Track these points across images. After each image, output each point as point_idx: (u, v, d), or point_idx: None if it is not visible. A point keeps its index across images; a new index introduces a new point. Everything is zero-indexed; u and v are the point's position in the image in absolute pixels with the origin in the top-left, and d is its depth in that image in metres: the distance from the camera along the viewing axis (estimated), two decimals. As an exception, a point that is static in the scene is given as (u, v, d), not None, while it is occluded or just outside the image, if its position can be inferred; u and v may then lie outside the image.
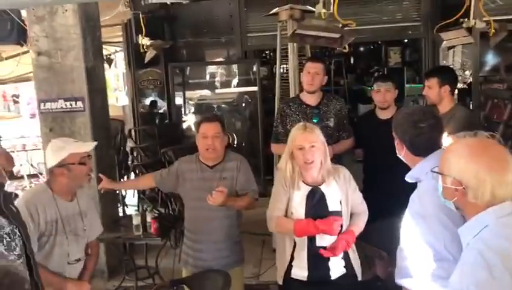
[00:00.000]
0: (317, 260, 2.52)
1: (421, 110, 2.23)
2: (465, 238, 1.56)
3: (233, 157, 3.01)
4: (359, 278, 2.64)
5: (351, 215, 2.65)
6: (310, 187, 2.55)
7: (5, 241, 1.77)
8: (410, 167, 2.11)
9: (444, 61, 9.13)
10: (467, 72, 7.74)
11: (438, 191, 1.67)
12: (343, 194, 2.59)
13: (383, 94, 3.63)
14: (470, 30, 4.03)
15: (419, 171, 2.02)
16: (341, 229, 2.54)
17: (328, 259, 2.54)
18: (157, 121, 7.35)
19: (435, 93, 3.40)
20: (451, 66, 8.87)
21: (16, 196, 2.06)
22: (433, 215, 1.83)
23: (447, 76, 3.52)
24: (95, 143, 2.70)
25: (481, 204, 1.52)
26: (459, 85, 7.70)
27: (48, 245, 2.39)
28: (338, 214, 2.54)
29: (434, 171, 1.68)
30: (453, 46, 6.50)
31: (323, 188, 2.56)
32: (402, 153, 2.14)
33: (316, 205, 2.54)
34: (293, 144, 2.52)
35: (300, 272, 2.57)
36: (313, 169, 2.53)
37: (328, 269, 2.56)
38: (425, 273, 1.95)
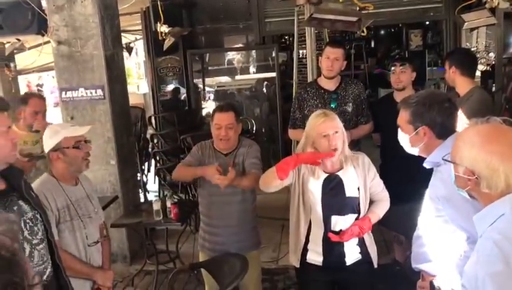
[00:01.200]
0: (332, 245, 2.52)
1: (437, 92, 2.21)
2: (481, 228, 1.51)
3: (245, 143, 3.04)
4: (375, 265, 2.63)
5: (371, 202, 2.63)
6: (327, 174, 2.55)
7: (28, 226, 1.83)
8: (424, 156, 2.08)
9: (468, 44, 8.93)
10: (491, 54, 7.55)
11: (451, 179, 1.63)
12: (361, 180, 2.57)
13: (397, 74, 3.61)
14: (493, 11, 3.94)
15: (439, 155, 1.95)
16: (358, 215, 2.55)
17: (343, 245, 2.53)
18: (177, 107, 7.41)
19: (447, 75, 3.42)
20: (473, 48, 8.70)
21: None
22: (459, 197, 1.75)
23: (454, 57, 3.47)
24: (89, 127, 2.64)
25: (495, 194, 1.46)
26: (482, 67, 7.54)
27: (67, 231, 2.42)
28: (355, 200, 2.54)
29: (446, 160, 1.63)
30: (476, 28, 6.36)
31: (341, 174, 2.55)
32: (421, 143, 2.07)
33: (333, 190, 2.53)
34: (315, 132, 2.47)
35: (316, 257, 2.58)
36: (336, 157, 2.51)
37: (343, 255, 2.56)
38: (455, 257, 1.93)
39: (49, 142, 2.41)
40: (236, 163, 2.96)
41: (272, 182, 2.49)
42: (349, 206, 2.54)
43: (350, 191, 2.55)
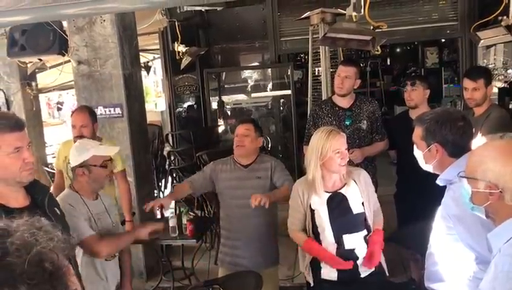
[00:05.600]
0: (345, 260, 2.52)
1: (452, 110, 2.22)
2: (496, 244, 1.51)
3: (267, 159, 3.12)
4: (387, 274, 2.65)
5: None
6: (329, 193, 2.58)
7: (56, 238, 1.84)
8: (437, 173, 2.07)
9: (485, 60, 8.88)
10: (509, 71, 7.49)
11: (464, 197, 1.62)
12: (365, 195, 2.61)
13: (409, 92, 3.63)
14: (509, 28, 3.93)
15: (453, 173, 1.96)
16: (367, 230, 2.59)
17: (357, 258, 2.56)
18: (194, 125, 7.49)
19: (482, 94, 3.28)
20: (491, 65, 8.63)
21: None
22: (471, 216, 1.76)
23: (490, 75, 3.45)
24: (118, 148, 2.77)
25: None
26: (500, 84, 7.48)
27: None
28: (361, 215, 2.58)
29: (464, 177, 1.62)
30: (491, 45, 6.33)
31: (344, 191, 2.59)
32: (434, 161, 2.07)
33: (339, 209, 2.56)
34: (328, 149, 2.49)
35: (330, 272, 2.59)
36: (342, 172, 2.57)
37: (357, 268, 2.57)
38: (464, 277, 1.91)
39: (77, 157, 2.48)
40: (259, 177, 3.03)
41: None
42: (358, 222, 2.58)
43: (356, 207, 2.58)
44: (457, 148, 2.01)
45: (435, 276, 2.05)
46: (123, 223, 3.64)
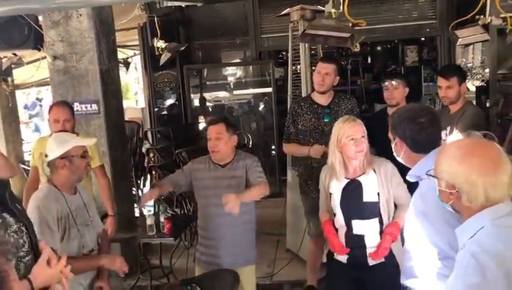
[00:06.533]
0: (355, 246, 2.68)
1: (418, 106, 2.24)
2: (461, 240, 1.52)
3: (244, 157, 3.06)
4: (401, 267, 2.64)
5: (396, 206, 2.73)
6: (348, 179, 2.71)
7: (12, 239, 1.81)
8: (410, 167, 2.09)
9: (464, 59, 8.99)
10: (487, 70, 7.60)
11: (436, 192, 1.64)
12: (381, 186, 2.67)
13: (390, 91, 3.63)
14: (486, 27, 3.97)
15: (421, 169, 1.98)
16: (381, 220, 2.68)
17: (365, 248, 2.67)
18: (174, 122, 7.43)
19: (456, 92, 3.31)
20: (469, 64, 8.73)
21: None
22: (436, 213, 1.80)
23: (463, 74, 3.49)
24: (95, 139, 2.88)
25: (475, 207, 1.48)
26: (478, 83, 7.59)
27: (64, 240, 2.44)
28: (373, 205, 2.67)
29: (429, 175, 1.65)
30: (469, 44, 6.41)
31: (361, 179, 2.69)
32: (401, 154, 2.11)
33: (351, 194, 2.69)
34: (343, 135, 2.65)
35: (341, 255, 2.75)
36: (361, 159, 2.67)
37: (366, 257, 2.69)
38: (431, 273, 1.93)
39: (57, 149, 2.46)
40: (235, 176, 2.99)
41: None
42: (369, 210, 2.67)
43: (368, 196, 2.67)
44: (416, 144, 2.03)
45: (410, 272, 2.05)
46: (104, 217, 3.58)
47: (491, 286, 1.35)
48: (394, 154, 2.18)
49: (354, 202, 2.68)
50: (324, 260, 2.93)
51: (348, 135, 2.64)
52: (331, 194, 2.77)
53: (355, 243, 2.68)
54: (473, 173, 1.46)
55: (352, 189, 2.69)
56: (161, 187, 3.13)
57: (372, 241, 2.68)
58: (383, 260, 2.67)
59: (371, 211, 2.67)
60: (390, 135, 2.15)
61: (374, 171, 2.70)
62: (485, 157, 1.47)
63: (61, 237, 2.43)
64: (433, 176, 1.60)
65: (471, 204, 1.48)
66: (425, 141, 2.01)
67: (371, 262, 2.68)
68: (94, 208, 2.79)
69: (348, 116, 2.87)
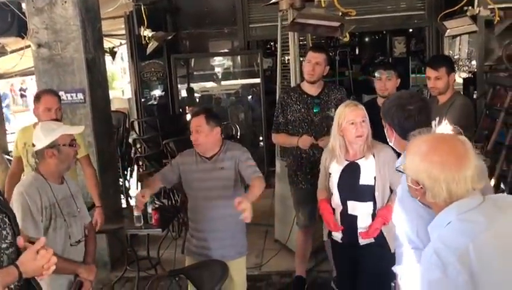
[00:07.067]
0: (348, 226, 2.80)
1: (408, 93, 2.27)
2: (432, 236, 1.52)
3: (231, 148, 3.01)
4: (392, 250, 2.62)
5: (392, 191, 2.75)
6: (348, 162, 2.79)
7: None
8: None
9: (451, 51, 9.03)
10: (474, 62, 7.64)
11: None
12: (378, 171, 2.73)
13: (383, 82, 3.59)
14: (474, 18, 3.98)
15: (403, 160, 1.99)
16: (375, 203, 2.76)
17: (356, 227, 2.78)
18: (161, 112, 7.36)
19: (445, 82, 3.29)
20: (456, 56, 8.76)
21: None
22: (409, 204, 1.80)
23: (452, 64, 3.48)
24: (83, 127, 2.85)
25: (440, 203, 1.47)
26: (465, 74, 7.62)
27: (50, 229, 2.43)
28: (369, 188, 2.74)
29: (398, 170, 1.64)
30: (457, 35, 6.42)
31: (360, 162, 2.77)
32: (392, 140, 2.14)
33: (348, 176, 2.78)
34: (344, 120, 2.71)
35: (336, 233, 2.90)
36: (360, 143, 2.73)
37: (357, 236, 2.79)
38: (408, 261, 1.95)
39: (44, 139, 2.43)
40: (222, 167, 2.94)
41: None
42: (364, 193, 2.76)
43: (365, 179, 2.75)
44: (404, 131, 2.03)
45: (399, 258, 2.07)
46: (91, 208, 3.54)
47: (452, 282, 1.33)
48: (387, 139, 2.20)
49: (351, 183, 2.77)
50: (325, 238, 3.06)
51: (349, 120, 2.71)
52: (330, 174, 2.86)
53: (348, 223, 2.79)
54: (434, 169, 1.44)
55: (350, 171, 2.77)
56: (152, 186, 3.08)
57: (363, 222, 2.77)
58: (373, 240, 2.76)
59: (366, 194, 2.75)
60: (383, 121, 2.18)
61: (374, 155, 2.76)
62: (449, 153, 1.45)
63: (47, 227, 2.42)
64: (401, 172, 1.59)
65: (435, 200, 1.47)
66: (413, 128, 2.00)
67: (362, 242, 2.78)
68: (82, 199, 2.77)
69: (350, 100, 2.96)
